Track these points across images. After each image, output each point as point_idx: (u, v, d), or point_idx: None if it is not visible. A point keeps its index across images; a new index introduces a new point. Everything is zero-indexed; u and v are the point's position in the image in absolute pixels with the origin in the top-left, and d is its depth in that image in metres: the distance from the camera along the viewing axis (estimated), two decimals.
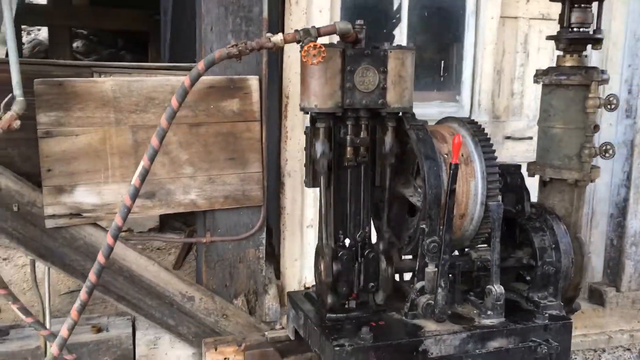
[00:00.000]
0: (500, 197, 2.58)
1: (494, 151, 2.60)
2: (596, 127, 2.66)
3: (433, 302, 2.46)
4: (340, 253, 2.55)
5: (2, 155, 3.12)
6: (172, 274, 3.39)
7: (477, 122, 2.71)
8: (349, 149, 2.51)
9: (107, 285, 3.28)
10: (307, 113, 2.50)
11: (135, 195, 2.36)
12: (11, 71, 2.78)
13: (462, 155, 2.62)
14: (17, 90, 2.79)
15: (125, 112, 3.17)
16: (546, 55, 4.32)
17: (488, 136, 2.64)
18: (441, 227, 2.47)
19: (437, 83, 4.14)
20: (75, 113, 3.09)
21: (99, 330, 3.44)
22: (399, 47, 2.48)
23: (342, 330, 2.44)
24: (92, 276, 2.37)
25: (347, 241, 2.63)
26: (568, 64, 2.73)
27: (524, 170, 2.92)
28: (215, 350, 2.87)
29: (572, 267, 2.68)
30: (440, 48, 4.11)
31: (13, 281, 4.66)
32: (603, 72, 2.69)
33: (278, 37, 2.29)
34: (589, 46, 2.75)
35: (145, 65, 3.43)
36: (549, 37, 2.80)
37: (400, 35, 3.95)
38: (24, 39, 14.30)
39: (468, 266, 2.72)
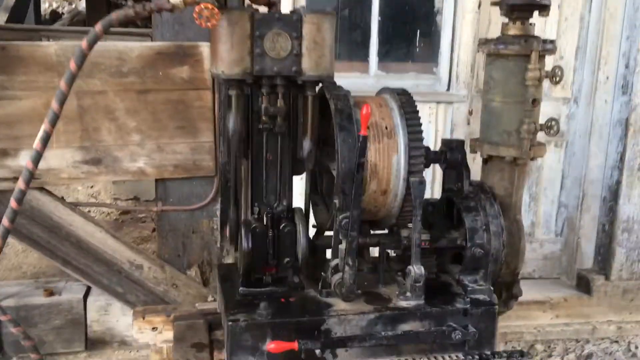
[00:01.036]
0: (423, 174, 2.43)
1: (419, 124, 2.44)
2: (535, 101, 2.46)
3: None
4: (253, 226, 2.47)
5: None
6: (120, 242, 3.38)
7: (409, 94, 2.55)
8: (264, 118, 2.41)
9: (54, 250, 3.30)
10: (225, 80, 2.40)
11: (37, 160, 2.33)
12: None
13: (386, 128, 2.47)
14: None
15: None
16: (538, 26, 4.05)
17: (416, 109, 2.47)
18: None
19: (413, 54, 3.95)
20: (19, 77, 3.08)
21: (51, 293, 3.48)
22: (315, 11, 2.34)
23: (246, 305, 2.36)
24: None
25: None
26: (511, 32, 2.52)
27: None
28: (143, 319, 2.85)
29: (504, 250, 2.51)
30: (416, 16, 3.90)
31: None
32: (547, 41, 2.47)
33: None
34: (536, 13, 2.54)
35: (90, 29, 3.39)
36: (493, 3, 2.60)
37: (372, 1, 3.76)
38: (65, 9, 14.65)
39: (394, 245, 2.60)
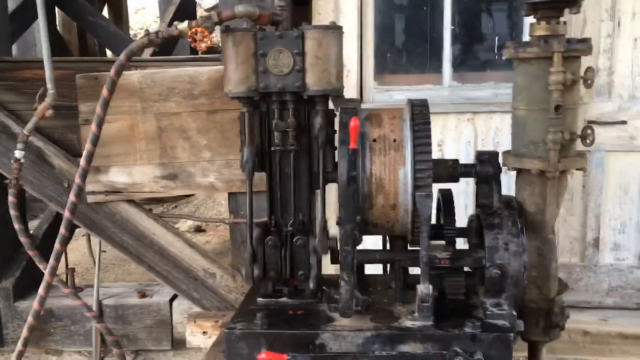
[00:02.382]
0: (431, 188, 2.31)
1: (428, 136, 2.33)
2: (558, 108, 2.21)
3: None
4: (267, 239, 2.54)
5: (64, 139, 3.70)
6: (196, 251, 3.65)
7: (425, 104, 2.44)
8: (276, 133, 2.49)
9: (141, 257, 3.68)
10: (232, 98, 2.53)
11: (84, 175, 2.65)
12: (45, 68, 3.28)
13: (394, 141, 2.40)
14: (49, 84, 3.30)
15: (149, 102, 3.51)
16: None
17: (427, 119, 2.36)
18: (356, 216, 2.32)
19: (491, 62, 3.72)
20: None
21: (143, 295, 3.87)
22: (317, 26, 2.37)
23: (251, 315, 2.43)
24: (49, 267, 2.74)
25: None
26: (537, 33, 2.30)
27: None
28: (194, 323, 3.06)
29: (525, 271, 2.28)
30: (493, 20, 3.67)
31: None
32: (573, 41, 2.22)
33: (184, 25, 2.37)
34: (567, 10, 2.29)
35: (172, 57, 3.75)
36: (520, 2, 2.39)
37: (444, 10, 3.63)
38: None
39: (411, 262, 2.49)
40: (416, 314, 2.32)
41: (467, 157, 3.58)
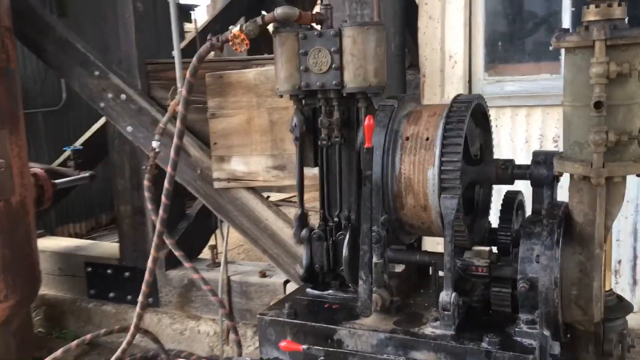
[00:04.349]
0: (457, 190, 2.16)
1: (459, 135, 2.18)
2: (598, 105, 1.90)
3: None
4: (313, 232, 2.61)
5: (202, 132, 4.16)
6: None
7: (471, 100, 2.28)
8: (322, 130, 2.54)
9: (257, 240, 3.99)
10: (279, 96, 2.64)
11: (175, 166, 3.01)
12: (176, 69, 3.75)
13: (427, 139, 2.29)
14: (179, 83, 3.75)
15: (263, 97, 3.78)
16: None
17: (463, 118, 2.21)
18: (383, 215, 2.29)
19: None
20: (230, 99, 3.87)
21: (264, 275, 4.19)
22: (355, 24, 2.37)
23: (287, 304, 2.52)
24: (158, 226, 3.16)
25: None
26: (587, 18, 2.01)
27: None
28: None
29: (556, 289, 2.02)
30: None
31: None
32: (620, 26, 1.89)
33: (235, 29, 2.55)
34: None
35: None
36: None
37: None
38: None
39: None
40: (439, 322, 2.22)
41: None
